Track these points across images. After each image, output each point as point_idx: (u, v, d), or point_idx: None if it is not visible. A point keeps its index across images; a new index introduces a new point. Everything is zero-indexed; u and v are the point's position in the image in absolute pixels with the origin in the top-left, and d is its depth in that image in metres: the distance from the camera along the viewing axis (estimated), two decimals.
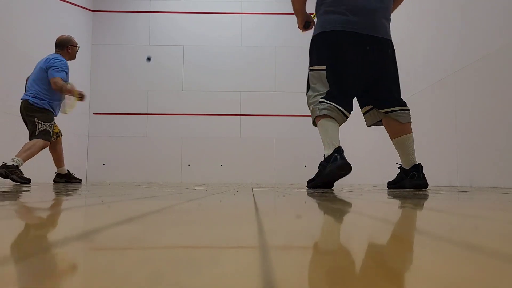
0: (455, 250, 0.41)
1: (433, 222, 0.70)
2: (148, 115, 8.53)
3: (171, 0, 8.84)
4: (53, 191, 2.06)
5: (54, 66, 4.60)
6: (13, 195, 1.66)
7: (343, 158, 2.67)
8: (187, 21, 8.77)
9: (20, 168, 4.24)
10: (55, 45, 4.80)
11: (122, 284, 0.28)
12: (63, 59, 4.69)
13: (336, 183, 2.86)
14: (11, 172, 4.15)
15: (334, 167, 2.63)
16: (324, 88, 2.82)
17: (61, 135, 4.90)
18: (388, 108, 2.89)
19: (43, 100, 4.57)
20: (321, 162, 2.76)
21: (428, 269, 0.33)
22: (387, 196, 1.68)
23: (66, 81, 4.64)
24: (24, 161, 4.32)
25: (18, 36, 6.12)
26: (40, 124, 4.49)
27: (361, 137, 6.73)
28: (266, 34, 8.72)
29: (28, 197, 1.54)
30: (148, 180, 8.05)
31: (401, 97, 2.95)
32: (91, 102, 8.43)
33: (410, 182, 2.83)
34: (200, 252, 0.42)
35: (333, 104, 2.75)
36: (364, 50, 2.82)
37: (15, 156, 4.29)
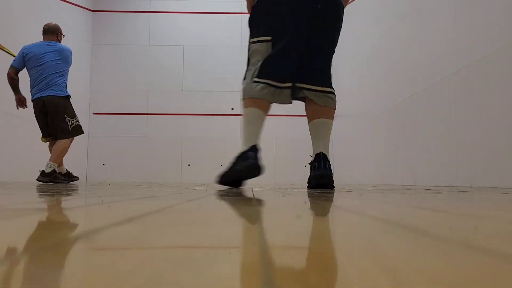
0: (455, 250, 0.41)
1: (433, 222, 0.70)
2: (148, 115, 8.53)
3: (171, 0, 8.83)
4: (54, 191, 2.06)
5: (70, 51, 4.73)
6: (12, 195, 1.66)
7: (255, 158, 2.45)
8: (187, 21, 8.77)
9: (56, 169, 4.47)
10: (44, 31, 4.75)
11: (122, 284, 0.28)
12: None
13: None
14: (55, 178, 4.40)
15: (244, 166, 2.41)
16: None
17: None
18: (308, 84, 2.59)
19: (66, 92, 4.62)
20: (236, 155, 2.55)
21: (428, 269, 0.33)
22: (387, 196, 1.68)
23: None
24: (57, 163, 4.49)
25: (18, 36, 6.12)
26: (70, 121, 4.55)
27: (361, 137, 6.73)
28: None
29: (28, 197, 1.54)
30: (148, 180, 8.05)
31: (331, 77, 2.66)
32: (91, 102, 8.43)
33: (313, 174, 2.51)
34: (200, 252, 0.42)
35: (266, 81, 2.50)
36: (308, 9, 2.53)
37: (49, 161, 4.45)
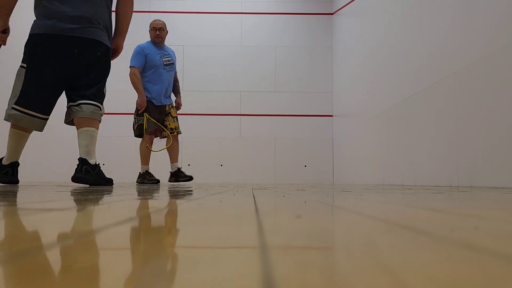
0: (455, 250, 0.41)
1: (433, 222, 0.70)
2: None
3: (171, 0, 8.83)
4: (54, 192, 2.06)
5: None
6: (11, 195, 1.66)
7: (13, 175, 3.04)
8: (187, 21, 8.78)
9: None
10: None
11: (122, 284, 0.28)
12: None
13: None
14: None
15: (2, 180, 3.02)
16: (18, 90, 3.03)
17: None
18: (74, 102, 3.08)
19: None
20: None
21: (428, 269, 0.33)
22: (387, 196, 1.68)
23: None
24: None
25: (20, 35, 6.12)
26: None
27: (361, 137, 6.73)
28: (266, 34, 8.71)
29: (27, 197, 1.54)
30: None
31: (101, 97, 3.19)
32: None
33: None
34: (200, 252, 0.42)
35: (24, 111, 2.98)
36: (68, 50, 3.10)
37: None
